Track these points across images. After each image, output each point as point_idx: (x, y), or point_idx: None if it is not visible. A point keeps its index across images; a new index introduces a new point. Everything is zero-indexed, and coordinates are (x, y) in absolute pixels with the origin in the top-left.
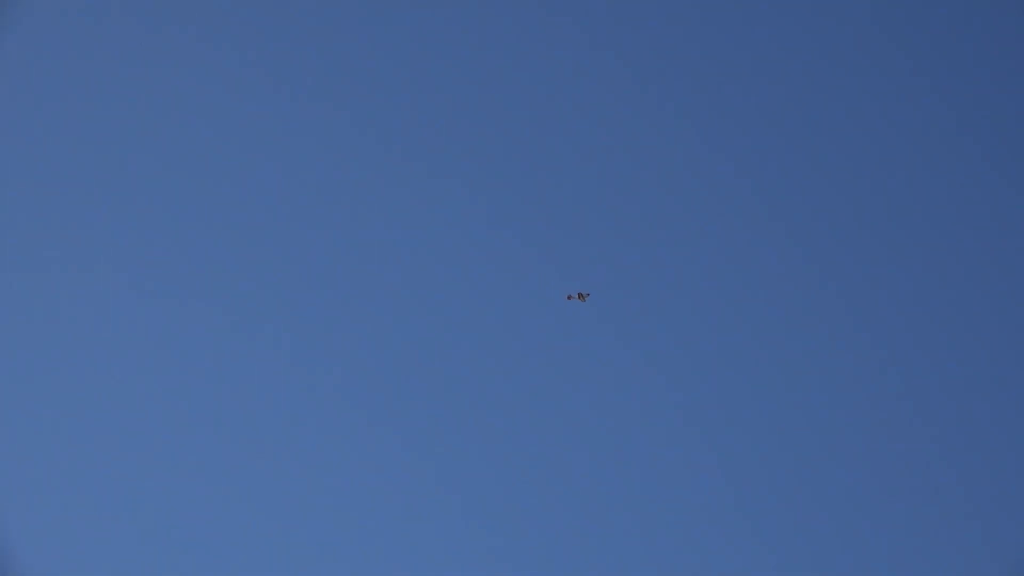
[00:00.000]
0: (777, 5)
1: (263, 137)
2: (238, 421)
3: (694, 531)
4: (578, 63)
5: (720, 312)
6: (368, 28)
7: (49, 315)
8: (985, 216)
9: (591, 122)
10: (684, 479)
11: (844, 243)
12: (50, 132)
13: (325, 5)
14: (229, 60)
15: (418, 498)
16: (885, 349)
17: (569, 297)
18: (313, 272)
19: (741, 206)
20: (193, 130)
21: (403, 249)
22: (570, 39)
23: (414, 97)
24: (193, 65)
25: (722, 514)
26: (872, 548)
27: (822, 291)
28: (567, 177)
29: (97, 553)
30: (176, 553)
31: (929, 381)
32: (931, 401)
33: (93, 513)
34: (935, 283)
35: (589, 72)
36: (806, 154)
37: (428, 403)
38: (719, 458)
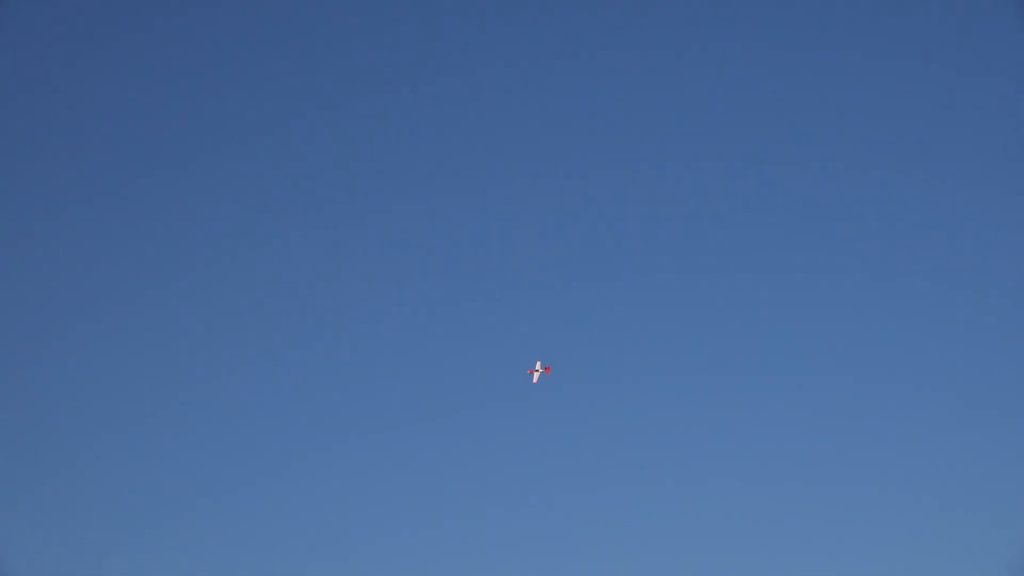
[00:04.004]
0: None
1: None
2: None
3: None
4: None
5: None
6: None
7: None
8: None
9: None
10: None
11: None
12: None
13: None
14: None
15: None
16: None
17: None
18: (313, 282)
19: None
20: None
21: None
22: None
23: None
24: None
25: (726, 515)
26: (874, 547)
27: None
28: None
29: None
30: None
31: (929, 380)
32: (931, 399)
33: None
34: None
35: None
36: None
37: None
38: (719, 458)
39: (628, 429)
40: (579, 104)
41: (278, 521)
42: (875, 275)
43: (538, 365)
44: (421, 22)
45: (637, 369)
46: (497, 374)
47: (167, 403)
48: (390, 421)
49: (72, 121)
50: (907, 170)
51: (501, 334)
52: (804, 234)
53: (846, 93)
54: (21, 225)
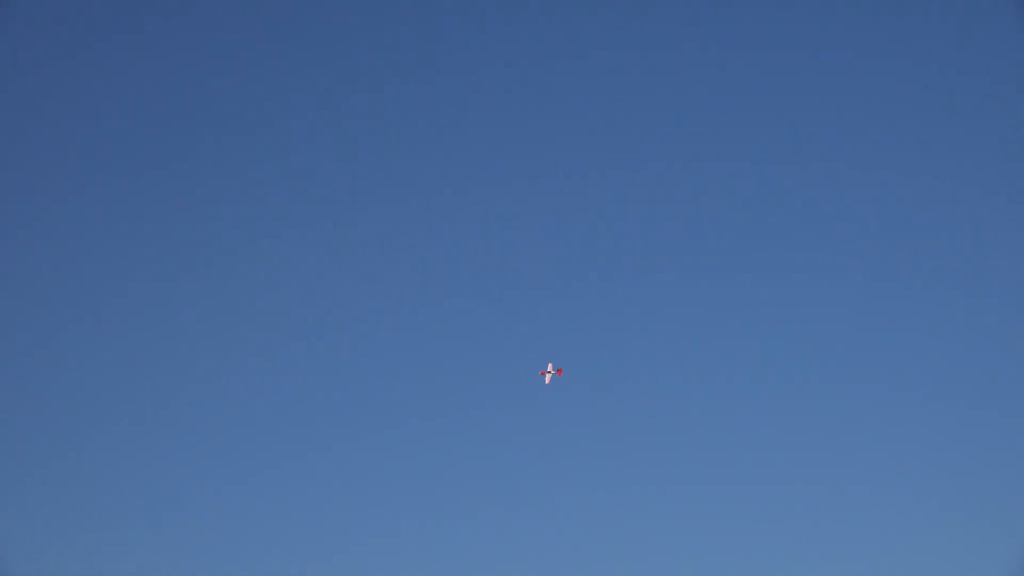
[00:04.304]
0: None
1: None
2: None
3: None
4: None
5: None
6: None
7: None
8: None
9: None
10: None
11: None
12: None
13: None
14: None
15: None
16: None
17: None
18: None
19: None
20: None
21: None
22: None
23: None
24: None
25: (728, 515)
26: (875, 547)
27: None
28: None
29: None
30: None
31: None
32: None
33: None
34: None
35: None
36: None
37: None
38: (721, 459)
39: (630, 430)
40: (585, 102)
41: (278, 521)
42: (880, 275)
43: (550, 367)
44: (420, 21)
45: (640, 369)
46: (499, 374)
47: (167, 402)
48: (391, 421)
49: (64, 118)
50: (907, 170)
51: (502, 335)
52: (809, 235)
53: (846, 93)
54: (18, 224)
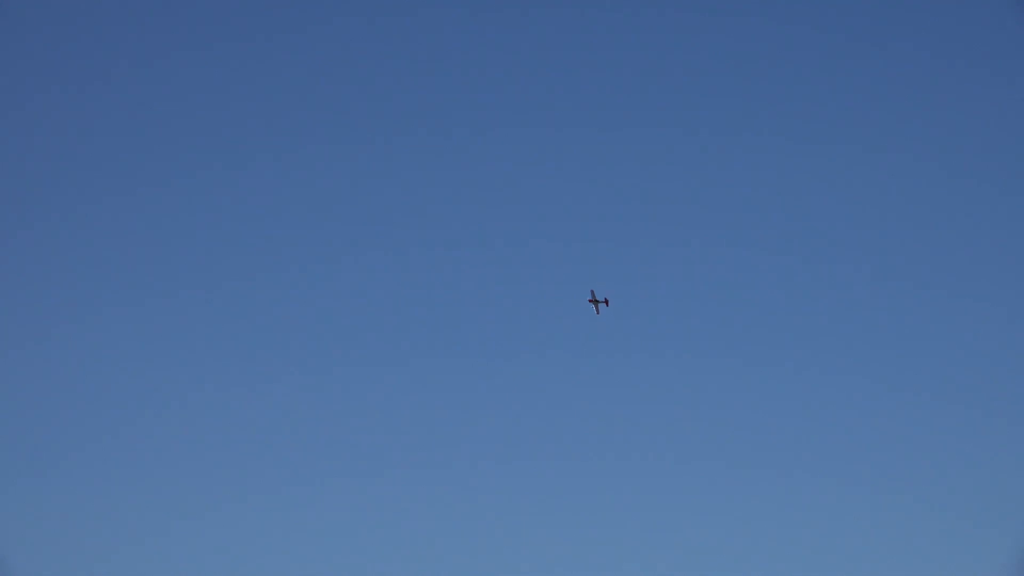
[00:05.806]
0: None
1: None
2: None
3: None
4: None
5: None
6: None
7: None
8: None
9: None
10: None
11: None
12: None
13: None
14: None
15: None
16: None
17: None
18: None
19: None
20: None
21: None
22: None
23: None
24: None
25: (725, 511)
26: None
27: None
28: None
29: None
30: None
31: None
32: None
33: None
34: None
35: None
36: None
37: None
38: (721, 457)
39: (628, 418)
40: (612, 67)
41: (280, 519)
42: (881, 270)
43: (593, 293)
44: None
45: (639, 364)
46: (497, 370)
47: (168, 400)
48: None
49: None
50: (907, 170)
51: (499, 326)
52: (805, 230)
53: (846, 92)
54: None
